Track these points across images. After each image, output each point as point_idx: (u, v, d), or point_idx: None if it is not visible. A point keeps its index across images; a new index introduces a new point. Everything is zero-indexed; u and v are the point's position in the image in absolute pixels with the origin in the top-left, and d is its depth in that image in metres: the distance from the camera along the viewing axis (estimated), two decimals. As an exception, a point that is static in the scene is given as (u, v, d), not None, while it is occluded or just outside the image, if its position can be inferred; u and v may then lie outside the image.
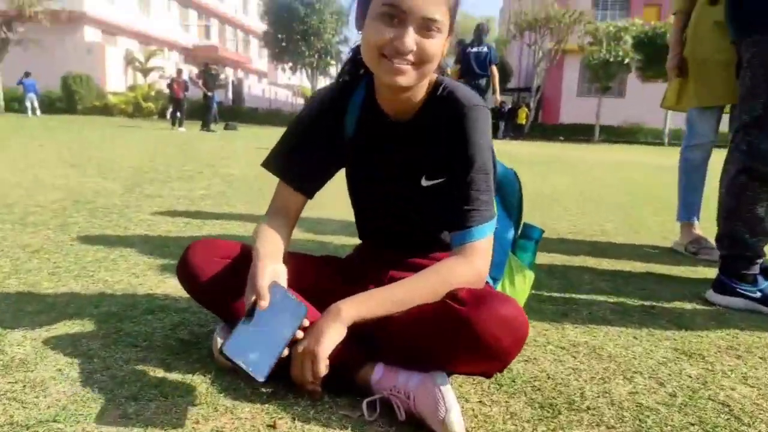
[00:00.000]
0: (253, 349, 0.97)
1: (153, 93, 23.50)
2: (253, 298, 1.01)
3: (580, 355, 1.39)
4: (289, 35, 22.75)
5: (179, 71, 16.65)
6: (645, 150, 16.82)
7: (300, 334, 1.03)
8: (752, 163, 1.81)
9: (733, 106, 2.56)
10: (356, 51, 1.23)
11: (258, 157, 1.25)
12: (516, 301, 0.98)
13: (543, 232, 1.57)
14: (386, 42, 1.03)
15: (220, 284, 1.15)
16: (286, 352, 1.01)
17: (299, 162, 1.24)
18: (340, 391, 1.10)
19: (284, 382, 1.09)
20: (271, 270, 1.05)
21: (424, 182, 1.24)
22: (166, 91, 18.97)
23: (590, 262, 2.45)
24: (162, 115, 22.69)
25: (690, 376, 1.30)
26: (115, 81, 24.20)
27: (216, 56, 33.96)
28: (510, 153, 11.06)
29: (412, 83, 1.08)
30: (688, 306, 1.86)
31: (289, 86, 45.70)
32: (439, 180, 1.22)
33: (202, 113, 15.25)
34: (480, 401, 1.12)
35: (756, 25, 1.79)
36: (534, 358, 1.36)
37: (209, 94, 14.86)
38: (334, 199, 1.81)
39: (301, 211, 1.28)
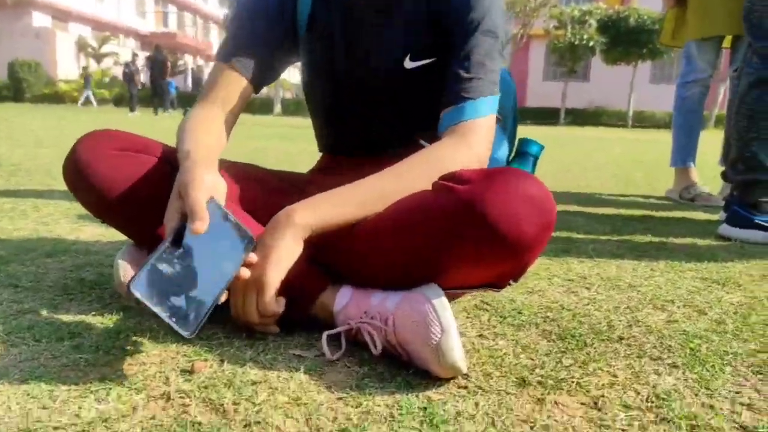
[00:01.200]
0: (177, 291, 0.64)
1: (107, 80, 22.47)
2: (177, 218, 0.69)
3: (595, 287, 1.12)
4: (251, 19, 22.01)
5: (134, 56, 16.04)
6: (613, 130, 16.89)
7: (245, 272, 0.71)
8: (766, 73, 1.59)
9: (734, 38, 2.35)
10: None
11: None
12: (538, 179, 0.69)
13: (543, 147, 1.28)
14: None
15: (122, 187, 0.82)
16: (224, 297, 0.69)
17: (250, 45, 0.93)
18: (292, 325, 0.80)
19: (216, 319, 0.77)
20: (209, 181, 0.72)
21: (408, 64, 0.94)
22: (121, 77, 18.64)
23: (583, 209, 2.19)
24: (117, 102, 21.79)
25: (732, 303, 1.04)
26: (67, 68, 23.01)
27: (174, 43, 32.83)
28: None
29: None
30: (703, 242, 1.62)
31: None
32: (428, 60, 0.93)
33: (153, 98, 14.85)
34: (480, 335, 0.84)
35: None
36: (539, 289, 1.09)
37: (161, 80, 14.44)
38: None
39: (243, 108, 0.96)
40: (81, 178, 0.81)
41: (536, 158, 1.29)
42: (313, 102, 1.08)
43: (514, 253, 0.65)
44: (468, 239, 0.65)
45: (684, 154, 2.51)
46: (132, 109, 14.87)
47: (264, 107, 24.90)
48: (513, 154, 1.28)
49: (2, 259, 1.15)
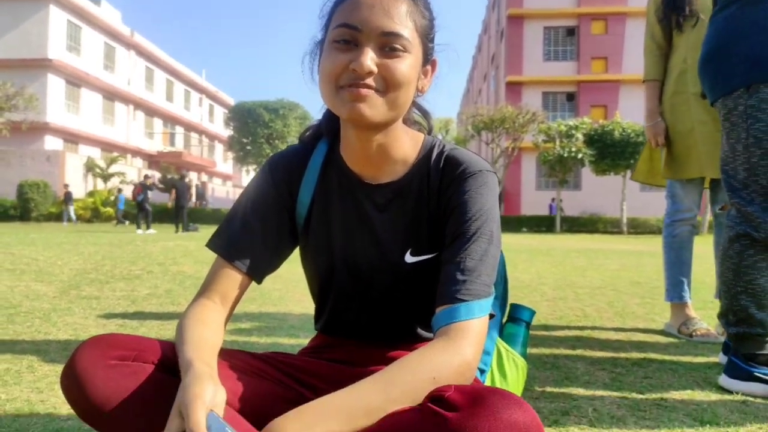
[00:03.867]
0: None
1: (112, 198, 23.13)
2: None
3: (597, 467, 1.10)
4: (254, 139, 23.11)
5: (145, 177, 16.93)
6: (608, 238, 17.10)
7: None
8: (744, 228, 1.65)
9: (713, 180, 2.48)
10: (323, 117, 1.05)
11: (214, 255, 0.99)
12: (524, 401, 0.71)
13: (534, 313, 1.32)
14: (341, 69, 0.85)
15: (118, 399, 0.83)
16: None
17: (248, 240, 0.98)
18: None
19: None
20: (210, 394, 0.73)
21: (409, 258, 0.99)
22: (129, 195, 19.42)
23: (580, 349, 2.18)
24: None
25: (739, 489, 1.01)
26: (74, 187, 23.76)
27: (180, 161, 34.25)
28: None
29: (379, 116, 0.87)
30: (702, 396, 1.60)
31: (254, 189, 45.97)
32: (428, 256, 0.98)
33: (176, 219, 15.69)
34: None
35: (720, 87, 1.71)
36: (540, 474, 1.06)
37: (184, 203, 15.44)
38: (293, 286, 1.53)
39: (241, 298, 1.01)
40: (78, 391, 0.82)
41: (528, 323, 1.32)
42: (310, 281, 1.12)
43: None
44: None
45: (679, 290, 2.54)
46: (138, 226, 15.23)
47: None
48: (506, 318, 1.31)
49: (-8, 448, 1.13)
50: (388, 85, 0.86)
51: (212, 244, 1.01)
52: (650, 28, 2.58)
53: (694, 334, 2.42)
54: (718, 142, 2.20)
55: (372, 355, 1.05)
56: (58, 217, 20.93)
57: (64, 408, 1.39)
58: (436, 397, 0.72)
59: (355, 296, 1.05)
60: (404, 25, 0.86)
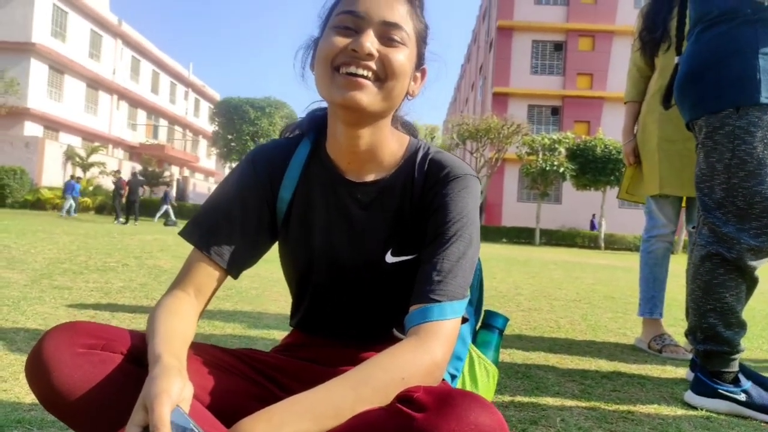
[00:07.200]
0: None
1: (91, 188, 22.72)
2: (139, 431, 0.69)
3: (561, 477, 1.11)
4: (239, 135, 22.94)
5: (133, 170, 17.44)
6: (585, 252, 17.33)
7: None
8: (716, 248, 1.68)
9: (689, 199, 2.53)
10: (306, 116, 1.07)
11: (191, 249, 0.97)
12: (491, 404, 0.71)
13: (507, 320, 1.33)
14: (340, 49, 0.87)
15: (84, 388, 0.81)
16: None
17: (226, 232, 0.97)
18: None
19: None
20: (177, 389, 0.72)
21: (390, 258, 1.00)
22: (106, 186, 19.43)
23: (552, 360, 2.20)
24: (99, 210, 21.88)
25: (698, 502, 1.03)
26: (52, 176, 23.32)
27: (162, 154, 33.82)
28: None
29: (373, 104, 0.88)
30: (668, 410, 1.63)
31: (236, 186, 45.58)
32: (409, 257, 0.99)
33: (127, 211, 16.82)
34: None
35: (706, 105, 1.72)
36: (505, 481, 1.07)
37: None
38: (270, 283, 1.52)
39: (216, 291, 1.00)
40: (43, 377, 0.80)
41: (501, 330, 1.33)
42: (288, 276, 1.12)
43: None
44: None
45: (651, 305, 2.59)
46: (117, 216, 15.70)
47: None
48: (479, 325, 1.32)
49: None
50: (385, 74, 0.88)
51: (187, 235, 0.99)
52: (632, 54, 2.66)
53: (663, 350, 2.46)
54: (687, 159, 2.24)
55: (344, 355, 1.05)
56: (33, 205, 20.49)
57: (28, 398, 1.36)
58: (405, 398, 0.72)
59: (333, 293, 1.05)
60: (405, 21, 0.90)
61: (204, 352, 0.97)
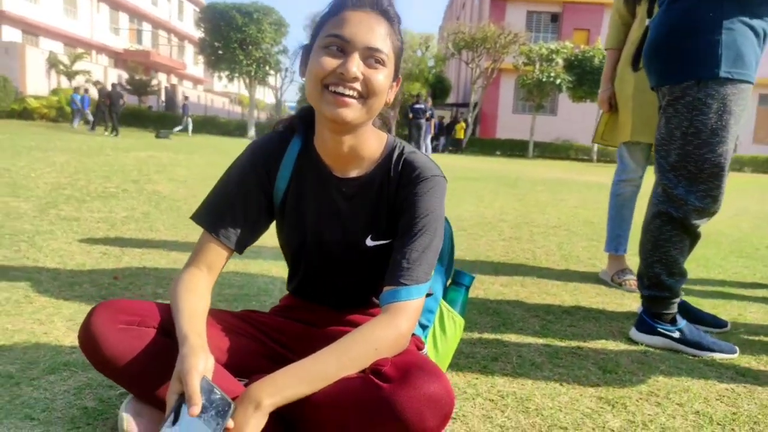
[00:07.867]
0: None
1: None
2: (176, 398, 0.91)
3: (508, 410, 1.38)
4: (226, 43, 22.17)
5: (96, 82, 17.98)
6: (578, 165, 17.58)
7: None
8: (666, 207, 1.87)
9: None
10: (297, 113, 1.24)
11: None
12: (444, 376, 0.94)
13: (474, 278, 1.56)
14: (330, 71, 1.02)
15: (127, 358, 1.04)
16: None
17: (231, 216, 1.17)
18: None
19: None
20: (202, 364, 0.94)
21: (369, 242, 1.21)
22: (94, 95, 19.28)
23: (522, 294, 2.47)
24: (87, 121, 21.61)
25: (612, 430, 1.31)
26: (37, 84, 22.75)
27: (148, 61, 32.78)
28: (451, 166, 11.22)
29: (357, 118, 1.06)
30: (613, 346, 1.90)
31: (226, 94, 44.69)
32: (385, 241, 1.19)
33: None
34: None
35: (670, 75, 1.85)
36: (463, 414, 1.34)
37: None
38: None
39: (225, 265, 1.21)
40: (94, 350, 1.03)
41: (467, 287, 1.56)
42: (283, 250, 1.33)
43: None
44: (386, 428, 0.89)
45: (617, 243, 2.83)
46: (101, 128, 16.10)
47: (240, 129, 24.99)
48: (450, 282, 1.55)
49: (13, 378, 1.34)
50: (368, 92, 1.04)
51: (199, 219, 1.20)
52: (615, 2, 2.69)
53: (624, 283, 2.73)
54: (655, 108, 2.36)
55: (332, 318, 1.29)
56: (21, 115, 20.18)
57: (66, 340, 1.60)
58: (376, 371, 0.95)
59: (322, 269, 1.26)
60: (384, 44, 1.05)
61: (219, 319, 1.20)
